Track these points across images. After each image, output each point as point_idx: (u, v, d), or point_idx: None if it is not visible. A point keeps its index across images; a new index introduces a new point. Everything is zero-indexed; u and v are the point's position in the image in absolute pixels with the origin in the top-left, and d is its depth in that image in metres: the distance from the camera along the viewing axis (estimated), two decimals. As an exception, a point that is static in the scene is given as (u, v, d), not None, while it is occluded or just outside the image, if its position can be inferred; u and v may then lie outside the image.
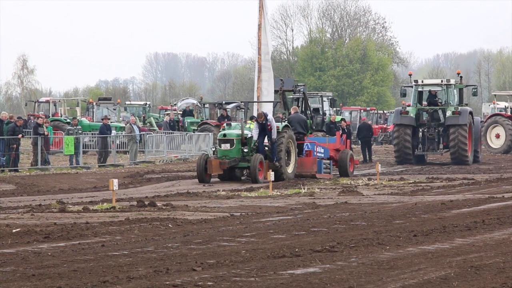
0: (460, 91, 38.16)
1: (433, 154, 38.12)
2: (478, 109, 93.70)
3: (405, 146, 36.78)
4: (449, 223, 14.83)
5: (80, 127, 39.42)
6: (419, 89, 37.91)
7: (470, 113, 37.19)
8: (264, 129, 28.08)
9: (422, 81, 39.30)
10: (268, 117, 28.01)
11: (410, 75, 41.23)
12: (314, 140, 30.98)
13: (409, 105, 38.05)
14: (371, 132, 42.58)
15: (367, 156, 41.04)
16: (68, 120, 45.33)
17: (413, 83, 38.13)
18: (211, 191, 23.67)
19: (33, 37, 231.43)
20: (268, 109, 31.90)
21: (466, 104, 38.89)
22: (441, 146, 37.31)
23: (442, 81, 38.45)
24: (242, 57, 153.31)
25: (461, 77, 38.53)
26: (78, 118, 50.04)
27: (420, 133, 37.49)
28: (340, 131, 38.47)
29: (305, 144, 30.17)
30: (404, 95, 39.50)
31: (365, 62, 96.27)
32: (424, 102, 38.05)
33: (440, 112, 37.20)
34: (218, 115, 47.92)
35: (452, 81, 37.86)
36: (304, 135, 30.64)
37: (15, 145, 32.74)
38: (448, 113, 36.75)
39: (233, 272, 10.11)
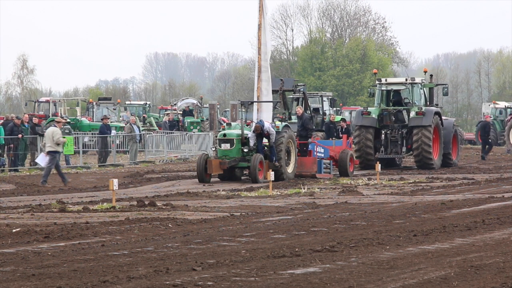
0: (430, 91, 35.98)
1: (396, 157, 35.69)
2: (478, 109, 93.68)
3: (366, 149, 34.61)
4: (449, 223, 14.83)
5: (68, 126, 39.42)
6: (383, 89, 35.54)
7: (437, 113, 34.72)
8: (262, 135, 28.13)
9: (386, 80, 36.27)
10: (264, 127, 27.96)
11: (375, 73, 37.67)
12: (322, 143, 31.21)
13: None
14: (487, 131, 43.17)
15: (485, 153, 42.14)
16: (68, 120, 45.30)
17: (377, 82, 35.81)
18: (211, 191, 23.66)
19: (33, 37, 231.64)
20: (268, 109, 31.96)
21: (437, 105, 36.87)
22: (404, 149, 35.03)
23: (406, 79, 35.79)
24: (242, 57, 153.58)
25: (431, 75, 36.75)
26: (78, 117, 50.04)
27: (383, 135, 35.01)
28: (338, 132, 38.68)
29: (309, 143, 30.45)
30: (372, 95, 37.16)
31: (365, 62, 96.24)
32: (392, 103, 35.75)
33: (404, 112, 35.03)
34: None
35: (418, 80, 35.53)
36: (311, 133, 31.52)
37: (12, 145, 32.72)
38: (412, 114, 34.39)
39: (233, 272, 10.11)
